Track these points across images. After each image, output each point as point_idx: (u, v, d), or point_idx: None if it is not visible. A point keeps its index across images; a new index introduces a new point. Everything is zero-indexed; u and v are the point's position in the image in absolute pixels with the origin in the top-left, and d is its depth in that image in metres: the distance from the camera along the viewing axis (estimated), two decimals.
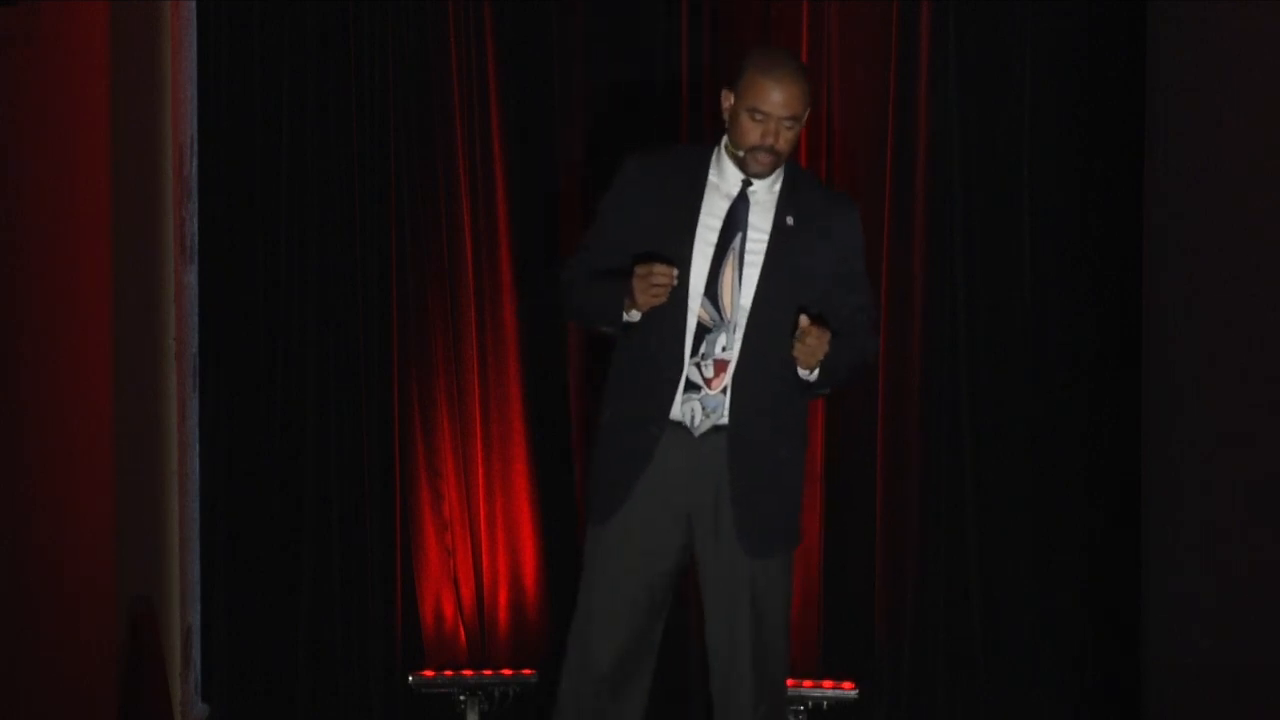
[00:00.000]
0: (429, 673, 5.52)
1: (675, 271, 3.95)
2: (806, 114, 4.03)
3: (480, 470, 5.59)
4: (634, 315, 4.00)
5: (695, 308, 4.02)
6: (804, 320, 3.92)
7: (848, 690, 5.41)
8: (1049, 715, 5.46)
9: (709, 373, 4.04)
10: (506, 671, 5.53)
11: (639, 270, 3.92)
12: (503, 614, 5.60)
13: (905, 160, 5.50)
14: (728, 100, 4.05)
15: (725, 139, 4.09)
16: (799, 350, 3.93)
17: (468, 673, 5.52)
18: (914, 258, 5.50)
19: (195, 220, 5.48)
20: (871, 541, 5.54)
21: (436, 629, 5.59)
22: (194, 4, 5.44)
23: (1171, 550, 4.89)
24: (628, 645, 4.13)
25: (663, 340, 4.03)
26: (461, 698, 5.47)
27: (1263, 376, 4.57)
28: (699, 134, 5.51)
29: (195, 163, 5.46)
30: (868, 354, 4.20)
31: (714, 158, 4.10)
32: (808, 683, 5.42)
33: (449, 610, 5.59)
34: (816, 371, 4.00)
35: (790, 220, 4.08)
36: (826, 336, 3.91)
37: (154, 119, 5.24)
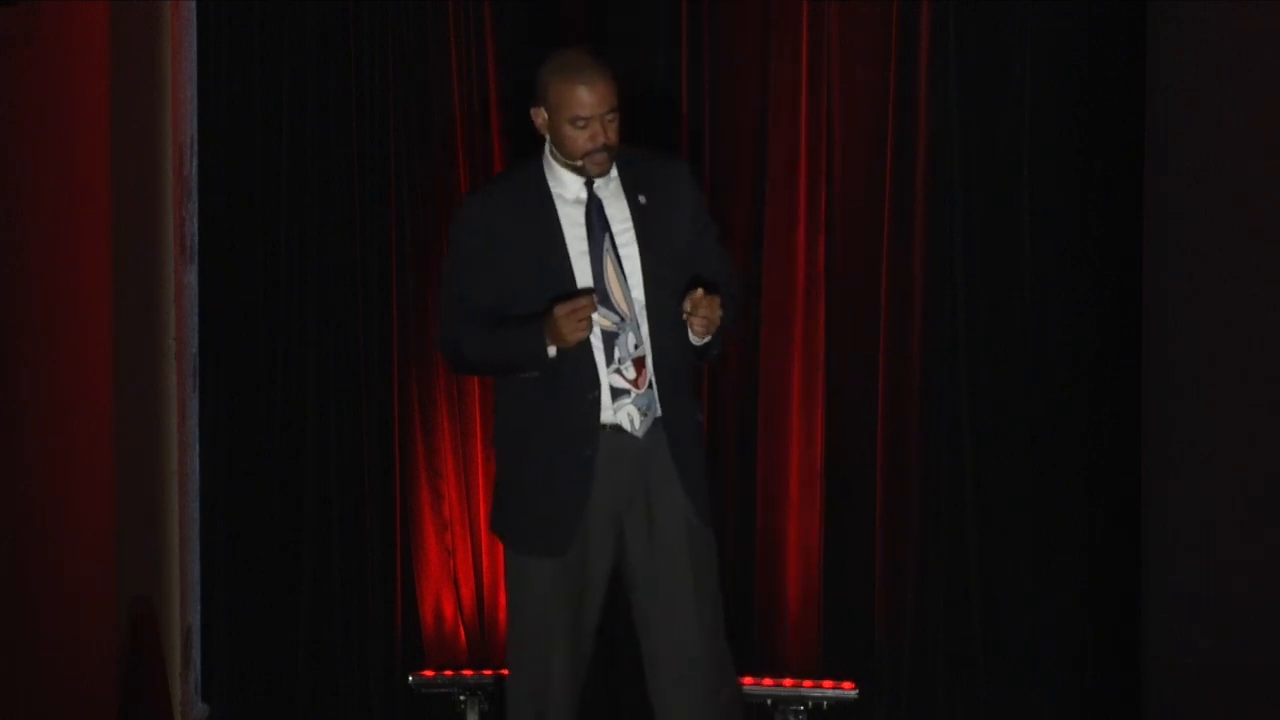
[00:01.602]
0: (429, 673, 5.52)
1: (595, 296, 3.96)
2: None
3: (480, 470, 5.59)
4: (553, 351, 3.98)
5: (595, 318, 4.00)
6: (696, 294, 3.93)
7: (848, 690, 5.41)
8: (1049, 715, 5.46)
9: (631, 374, 4.05)
10: (506, 671, 5.52)
11: (560, 310, 3.89)
12: (503, 614, 5.60)
13: (905, 160, 5.50)
14: (540, 117, 4.04)
15: (549, 149, 4.08)
16: (696, 323, 3.94)
17: (468, 673, 5.52)
18: (914, 258, 5.50)
19: (195, 220, 5.48)
20: (871, 541, 5.54)
21: (436, 629, 5.59)
22: (194, 4, 5.44)
23: (1171, 550, 4.89)
24: (569, 651, 4.13)
25: (575, 362, 4.01)
26: (461, 698, 5.47)
27: (1263, 376, 4.57)
28: (699, 131, 5.52)
29: (195, 163, 5.46)
30: (739, 300, 4.26)
31: (547, 170, 4.10)
32: (808, 683, 5.42)
33: (449, 610, 5.60)
34: (708, 336, 4.03)
35: (642, 199, 4.09)
36: (717, 301, 3.94)
37: (154, 119, 5.24)
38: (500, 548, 5.58)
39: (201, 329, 5.53)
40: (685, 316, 3.96)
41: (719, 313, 3.96)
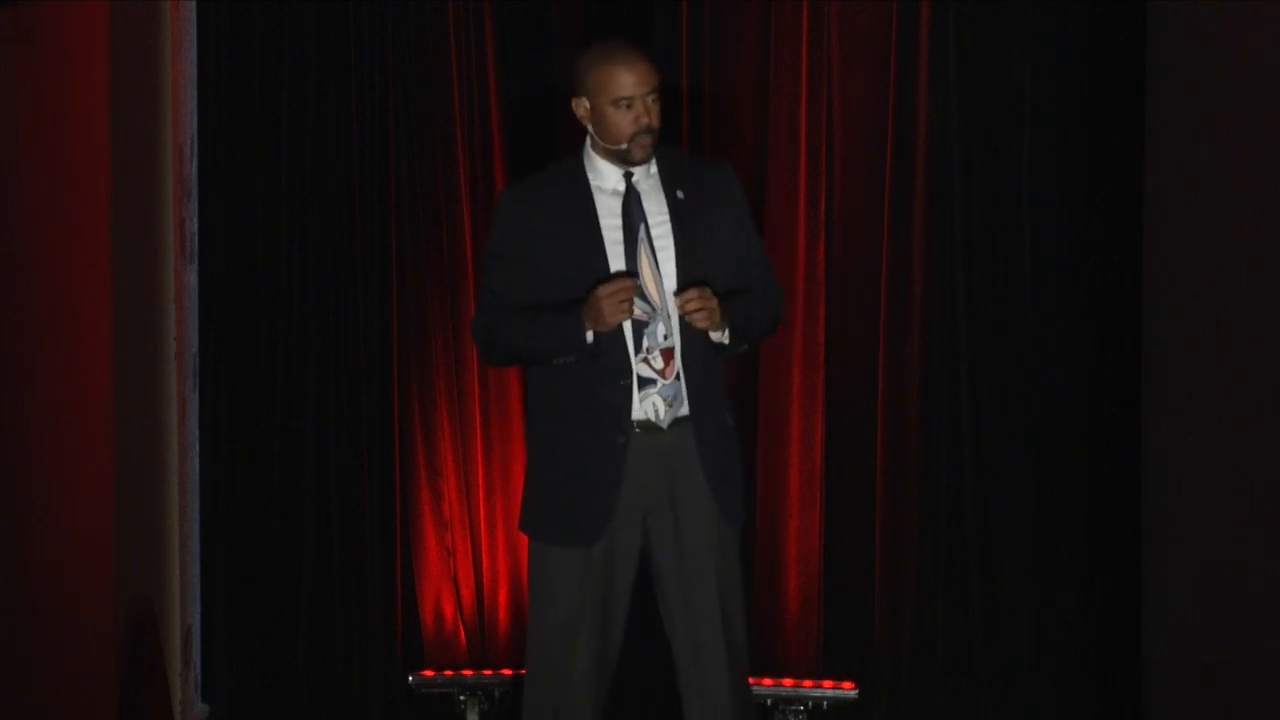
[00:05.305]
0: (429, 673, 5.52)
1: (636, 280, 3.98)
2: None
3: (480, 470, 5.59)
4: (590, 336, 4.00)
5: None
6: (684, 294, 3.96)
7: (848, 690, 5.41)
8: (1049, 716, 5.46)
9: (659, 364, 4.06)
10: (506, 671, 5.53)
11: (603, 290, 3.93)
12: (503, 614, 5.60)
13: (905, 160, 5.50)
14: (582, 107, 4.08)
15: (589, 142, 4.11)
16: (696, 319, 3.96)
17: (468, 673, 5.52)
18: (914, 258, 5.50)
19: (195, 220, 5.48)
20: (871, 541, 5.54)
21: (436, 629, 5.59)
22: (194, 4, 5.44)
23: (1171, 550, 4.89)
24: (595, 654, 4.13)
25: (606, 350, 4.03)
26: (461, 698, 5.47)
27: (1263, 376, 4.57)
28: (699, 132, 5.51)
29: (195, 163, 5.46)
30: (778, 306, 4.28)
31: (586, 163, 4.13)
32: (808, 683, 5.42)
33: (449, 610, 5.60)
34: (727, 332, 4.05)
35: (680, 194, 4.11)
36: (706, 293, 3.95)
37: (154, 119, 5.24)
38: (501, 548, 5.59)
39: (201, 329, 5.52)
40: (684, 314, 3.99)
41: (713, 303, 3.96)
